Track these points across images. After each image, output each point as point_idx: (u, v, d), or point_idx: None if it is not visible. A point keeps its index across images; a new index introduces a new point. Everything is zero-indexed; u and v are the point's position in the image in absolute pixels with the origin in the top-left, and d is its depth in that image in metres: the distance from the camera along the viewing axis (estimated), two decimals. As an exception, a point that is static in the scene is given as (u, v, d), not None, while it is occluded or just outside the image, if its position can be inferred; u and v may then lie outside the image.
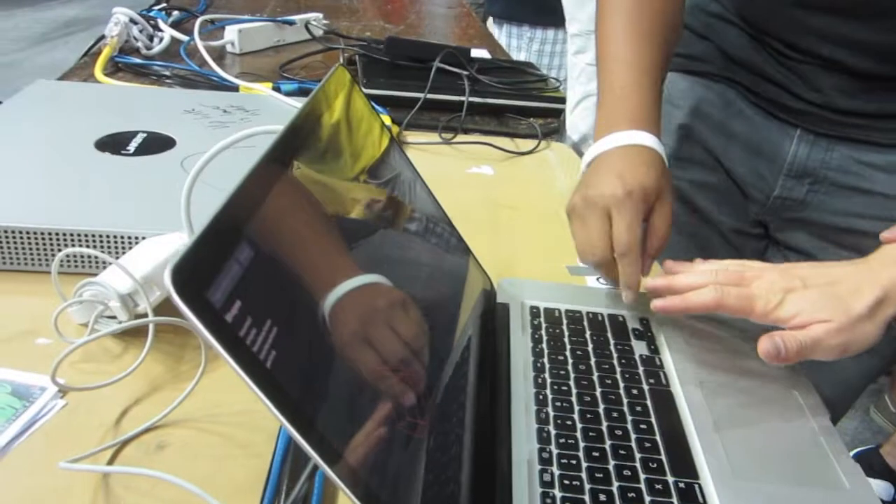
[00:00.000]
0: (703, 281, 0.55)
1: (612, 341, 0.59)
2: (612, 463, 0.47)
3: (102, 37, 1.14)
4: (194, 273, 0.30)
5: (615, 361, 0.57)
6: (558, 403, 0.52)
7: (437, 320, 0.52)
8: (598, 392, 0.53)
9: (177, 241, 0.58)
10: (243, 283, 0.32)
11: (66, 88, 0.95)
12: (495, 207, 0.84)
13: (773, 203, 0.82)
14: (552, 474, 0.46)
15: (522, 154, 0.97)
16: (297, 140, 0.43)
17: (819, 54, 0.73)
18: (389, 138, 0.55)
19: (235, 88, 1.04)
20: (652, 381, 0.55)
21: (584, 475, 0.46)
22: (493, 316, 0.61)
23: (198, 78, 1.09)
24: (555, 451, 0.48)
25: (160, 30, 1.21)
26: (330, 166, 0.46)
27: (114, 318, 0.55)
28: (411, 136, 0.99)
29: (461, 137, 0.99)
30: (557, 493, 0.45)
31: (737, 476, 0.47)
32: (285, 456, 0.45)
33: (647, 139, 0.62)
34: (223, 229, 0.33)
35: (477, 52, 1.28)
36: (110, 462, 0.45)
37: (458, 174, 0.91)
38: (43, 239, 0.60)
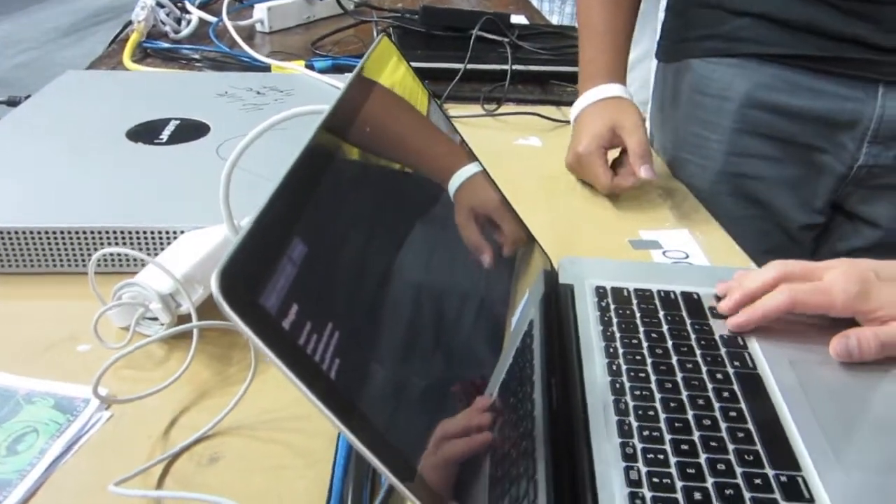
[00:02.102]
0: (771, 276, 0.51)
1: (688, 321, 0.54)
2: (703, 456, 0.43)
3: (129, 23, 1.11)
4: (244, 277, 0.26)
5: (694, 343, 0.52)
6: (637, 392, 0.47)
7: (492, 304, 0.48)
8: (678, 378, 0.49)
9: (217, 235, 0.55)
10: (299, 283, 0.29)
11: (95, 78, 0.92)
12: (547, 180, 0.79)
13: (856, 174, 0.76)
14: (639, 471, 0.42)
15: (562, 122, 0.92)
16: (344, 121, 0.39)
17: None
18: (431, 107, 0.51)
19: (267, 68, 1.01)
20: (737, 363, 0.50)
21: (674, 471, 0.42)
22: (557, 298, 0.57)
23: (228, 60, 1.06)
24: (639, 446, 0.44)
25: (187, 12, 1.18)
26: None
27: (156, 319, 0.52)
28: (453, 109, 0.94)
29: (505, 108, 0.94)
30: (647, 493, 0.41)
31: (842, 465, 0.43)
32: (347, 465, 0.42)
33: (612, 90, 0.78)
34: (272, 226, 0.29)
35: (515, 19, 1.22)
36: (161, 477, 0.42)
37: (505, 147, 0.86)
38: (77, 239, 0.57)
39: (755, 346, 0.52)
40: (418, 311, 0.39)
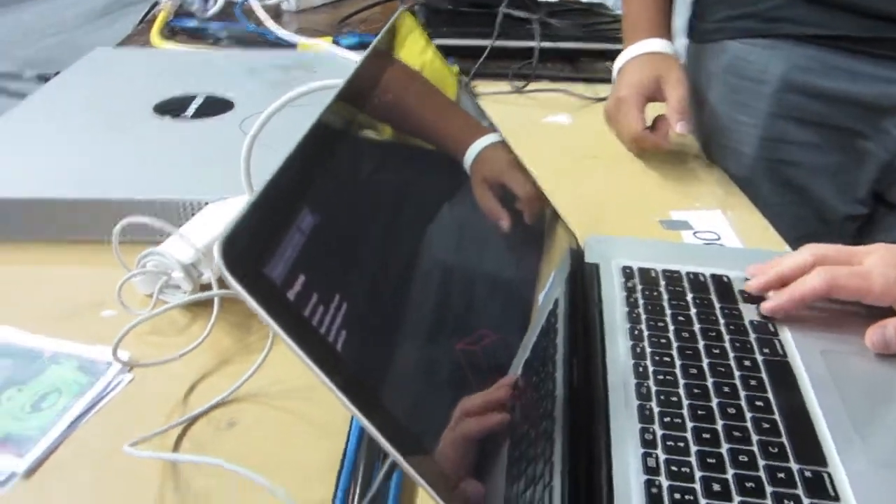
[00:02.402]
0: (806, 259, 0.49)
1: (717, 305, 0.53)
2: (725, 447, 0.41)
3: (157, 2, 1.12)
4: (249, 246, 0.26)
5: (722, 328, 0.50)
6: (661, 377, 0.46)
7: (516, 281, 0.47)
8: (704, 364, 0.47)
9: (240, 206, 0.55)
10: (306, 254, 0.28)
11: (123, 55, 0.93)
12: (576, 158, 0.77)
13: None
14: (657, 458, 0.41)
15: (600, 100, 0.89)
16: (360, 93, 0.38)
17: None
18: (460, 87, 0.50)
19: (293, 46, 1.00)
20: (766, 350, 0.48)
21: (693, 460, 0.41)
22: (583, 277, 0.55)
23: (254, 38, 1.05)
24: (659, 432, 0.42)
25: (215, -9, 1.18)
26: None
27: (179, 287, 0.52)
28: (481, 86, 0.93)
29: (534, 85, 0.92)
30: (664, 482, 0.39)
31: (872, 463, 0.41)
32: (360, 441, 0.41)
33: (658, 45, 0.77)
34: (281, 195, 0.29)
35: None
36: (178, 441, 0.43)
37: (534, 124, 0.85)
38: (104, 209, 0.58)
39: (786, 334, 0.50)
40: (434, 285, 0.38)
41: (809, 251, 0.51)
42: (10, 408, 0.44)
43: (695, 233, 0.64)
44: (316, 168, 0.31)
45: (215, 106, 0.73)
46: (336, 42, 0.97)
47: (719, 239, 0.63)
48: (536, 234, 0.53)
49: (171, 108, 0.73)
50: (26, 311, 0.52)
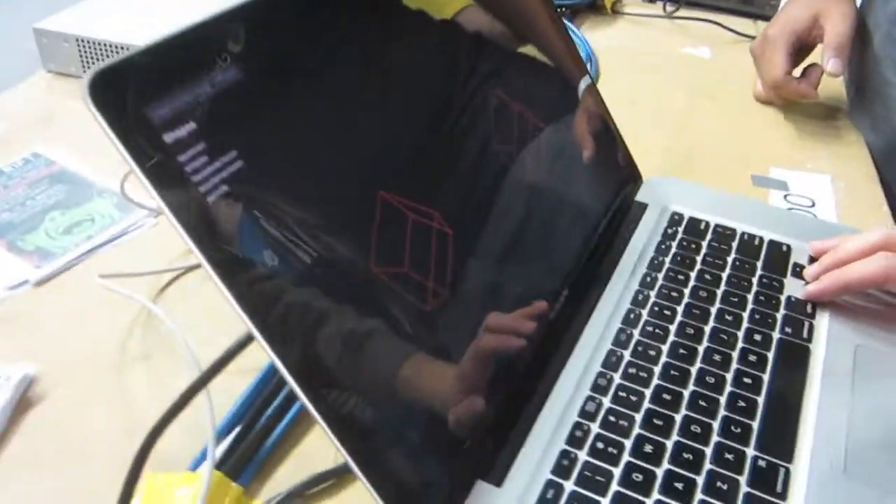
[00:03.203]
0: (871, 242, 0.41)
1: (759, 272, 0.47)
2: (682, 412, 0.38)
3: None
4: (134, 80, 0.27)
5: (750, 295, 0.45)
6: (650, 328, 0.42)
7: (540, 206, 0.44)
8: (707, 326, 0.43)
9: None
10: (212, 105, 0.28)
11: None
12: (695, 96, 0.70)
13: None
14: (599, 404, 0.38)
15: (751, 38, 0.79)
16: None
17: None
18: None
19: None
20: (789, 330, 0.42)
21: (638, 417, 0.37)
22: (623, 215, 0.51)
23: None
24: (616, 381, 0.39)
25: None
26: None
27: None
28: (630, 6, 0.86)
29: (684, 12, 0.84)
30: (594, 428, 0.37)
31: (849, 476, 0.35)
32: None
33: None
34: (200, 39, 0.29)
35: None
36: (164, 288, 0.46)
37: (671, 53, 0.77)
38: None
39: (824, 320, 0.43)
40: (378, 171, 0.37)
41: (879, 234, 0.43)
42: (49, 227, 0.50)
43: (786, 195, 0.56)
44: (262, 23, 0.31)
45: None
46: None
47: (812, 206, 0.55)
48: (581, 163, 0.49)
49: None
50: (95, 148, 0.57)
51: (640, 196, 0.53)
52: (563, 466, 0.35)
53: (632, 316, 0.43)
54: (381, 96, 0.36)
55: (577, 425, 0.37)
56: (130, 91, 0.27)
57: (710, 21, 0.82)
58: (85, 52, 0.65)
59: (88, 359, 0.41)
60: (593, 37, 0.78)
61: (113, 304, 0.44)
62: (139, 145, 0.26)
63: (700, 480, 0.35)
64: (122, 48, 0.64)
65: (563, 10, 0.84)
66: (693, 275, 0.46)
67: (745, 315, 0.43)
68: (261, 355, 0.28)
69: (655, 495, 0.34)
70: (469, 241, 0.37)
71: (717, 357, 0.41)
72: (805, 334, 0.42)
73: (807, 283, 0.45)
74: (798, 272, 0.46)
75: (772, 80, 0.66)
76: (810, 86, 0.64)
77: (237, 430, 0.36)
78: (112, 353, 0.42)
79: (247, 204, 0.29)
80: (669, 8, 0.84)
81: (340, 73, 0.34)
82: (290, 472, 0.36)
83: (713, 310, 0.44)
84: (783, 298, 0.45)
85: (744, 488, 0.34)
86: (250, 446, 0.35)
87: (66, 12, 0.69)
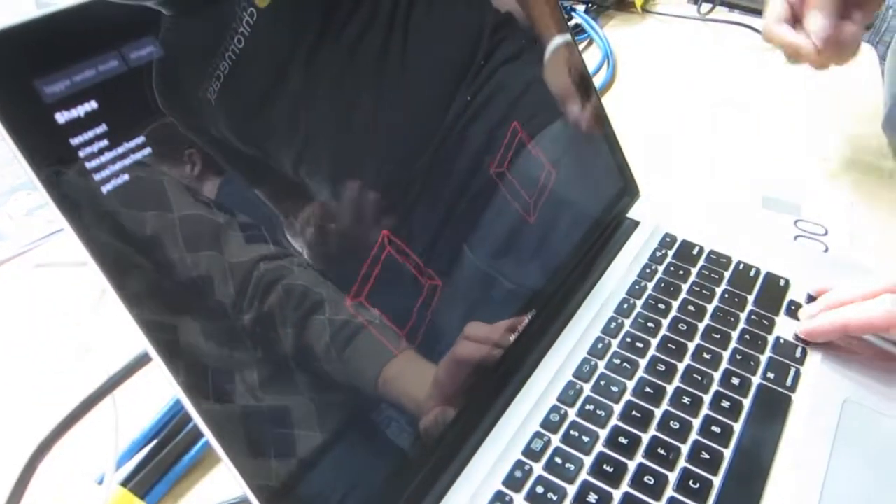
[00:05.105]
0: (886, 283, 0.37)
1: (749, 307, 0.43)
2: (637, 460, 0.34)
3: None
4: (27, 49, 0.24)
5: (735, 333, 0.41)
6: (617, 361, 0.39)
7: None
8: (682, 364, 0.39)
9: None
10: (120, 83, 0.26)
11: None
12: (717, 104, 0.65)
13: None
14: (547, 442, 0.35)
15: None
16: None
17: None
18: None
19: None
20: (772, 375, 0.38)
21: (588, 460, 0.34)
22: (612, 232, 0.48)
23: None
24: (570, 417, 0.36)
25: None
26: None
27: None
28: (662, 4, 0.81)
29: (719, 14, 0.78)
30: (537, 469, 0.34)
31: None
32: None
33: None
34: (114, 14, 0.26)
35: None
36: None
37: (698, 57, 0.73)
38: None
39: (813, 365, 0.39)
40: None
41: (889, 277, 0.38)
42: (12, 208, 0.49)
43: (797, 220, 0.51)
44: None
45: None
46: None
47: (825, 234, 0.50)
48: (569, 174, 0.46)
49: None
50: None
51: (635, 212, 0.49)
52: (492, 511, 0.32)
53: (600, 346, 0.40)
54: (312, 80, 0.33)
55: (518, 464, 0.34)
56: (21, 60, 0.24)
57: (745, 25, 0.76)
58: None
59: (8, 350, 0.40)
60: (616, 36, 0.74)
61: (49, 294, 0.43)
62: (22, 122, 0.24)
63: (642, 541, 0.31)
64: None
65: (590, 6, 0.80)
66: (676, 304, 0.43)
67: (726, 355, 0.40)
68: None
69: (588, 554, 0.31)
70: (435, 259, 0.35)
71: (686, 400, 0.37)
72: (789, 382, 0.38)
73: (795, 311, 0.41)
74: (793, 311, 0.42)
75: (763, 30, 0.52)
76: (818, 40, 0.48)
77: (152, 445, 0.34)
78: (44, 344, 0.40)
79: (150, 196, 0.27)
80: (705, 8, 0.79)
81: (275, 55, 0.31)
82: (207, 494, 0.34)
83: (691, 346, 0.40)
84: (771, 339, 0.41)
85: (690, 552, 0.31)
86: (162, 463, 0.33)
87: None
